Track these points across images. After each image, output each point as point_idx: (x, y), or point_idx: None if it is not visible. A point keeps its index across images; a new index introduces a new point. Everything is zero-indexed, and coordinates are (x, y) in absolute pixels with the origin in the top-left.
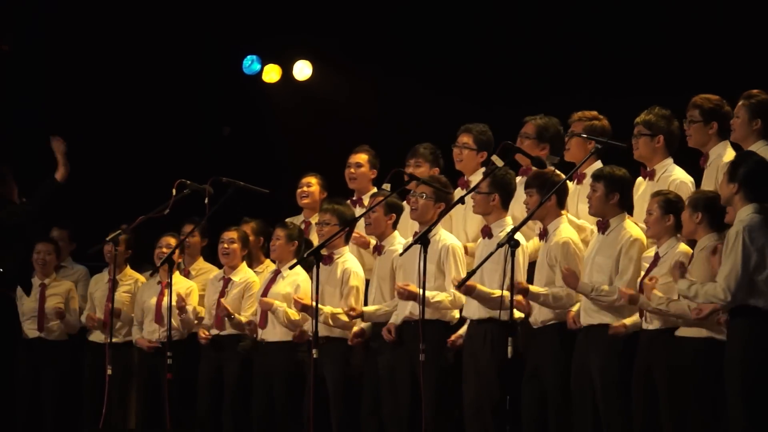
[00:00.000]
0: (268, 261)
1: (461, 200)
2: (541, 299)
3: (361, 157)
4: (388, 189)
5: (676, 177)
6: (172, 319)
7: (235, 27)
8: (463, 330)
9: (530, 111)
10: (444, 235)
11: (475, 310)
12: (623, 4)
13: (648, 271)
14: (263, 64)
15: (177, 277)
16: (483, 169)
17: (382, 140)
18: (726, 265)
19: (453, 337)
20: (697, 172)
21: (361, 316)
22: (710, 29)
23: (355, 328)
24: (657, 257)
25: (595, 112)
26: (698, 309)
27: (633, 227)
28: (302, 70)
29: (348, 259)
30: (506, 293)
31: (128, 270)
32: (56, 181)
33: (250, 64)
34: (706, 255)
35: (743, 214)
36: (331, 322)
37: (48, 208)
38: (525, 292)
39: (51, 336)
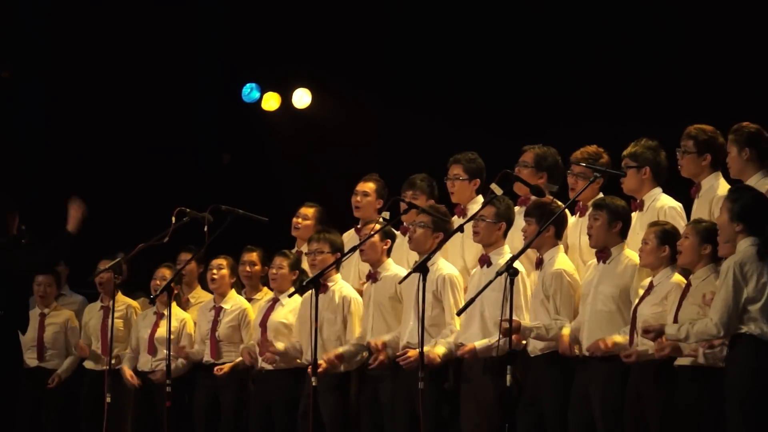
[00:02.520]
0: (265, 289)
1: (461, 228)
2: (534, 333)
3: (369, 186)
4: (387, 217)
5: (664, 203)
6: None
7: (235, 55)
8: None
9: (528, 140)
10: (441, 265)
11: (474, 339)
12: (618, 36)
13: (642, 298)
14: (263, 92)
15: (173, 307)
16: (479, 197)
17: (380, 168)
18: (717, 300)
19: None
20: (687, 200)
21: (384, 347)
22: (702, 60)
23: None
24: (651, 286)
25: (594, 147)
26: (660, 347)
27: (634, 255)
28: (301, 98)
29: (344, 286)
30: (505, 323)
31: (120, 296)
32: (69, 234)
33: (250, 91)
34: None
35: (741, 247)
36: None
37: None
38: (517, 330)
39: (49, 365)
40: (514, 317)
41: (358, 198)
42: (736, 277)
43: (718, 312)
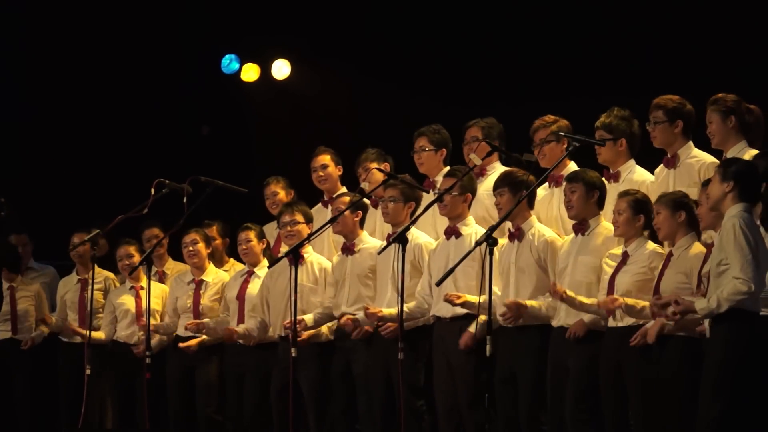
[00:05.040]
0: (232, 261)
1: (440, 198)
2: (544, 312)
3: (325, 158)
4: (366, 189)
5: (643, 178)
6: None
7: (214, 26)
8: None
9: (505, 109)
10: (416, 234)
11: (447, 310)
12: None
13: (617, 270)
14: (242, 63)
15: (144, 280)
16: (446, 168)
17: (358, 139)
18: (734, 259)
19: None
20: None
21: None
22: (668, 31)
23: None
24: (626, 256)
25: (550, 116)
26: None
27: (611, 226)
28: (281, 69)
29: (318, 257)
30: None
31: (96, 269)
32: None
33: (229, 63)
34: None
35: (733, 212)
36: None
37: None
38: (524, 312)
39: (22, 337)
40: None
41: (320, 173)
42: (744, 231)
43: (741, 270)
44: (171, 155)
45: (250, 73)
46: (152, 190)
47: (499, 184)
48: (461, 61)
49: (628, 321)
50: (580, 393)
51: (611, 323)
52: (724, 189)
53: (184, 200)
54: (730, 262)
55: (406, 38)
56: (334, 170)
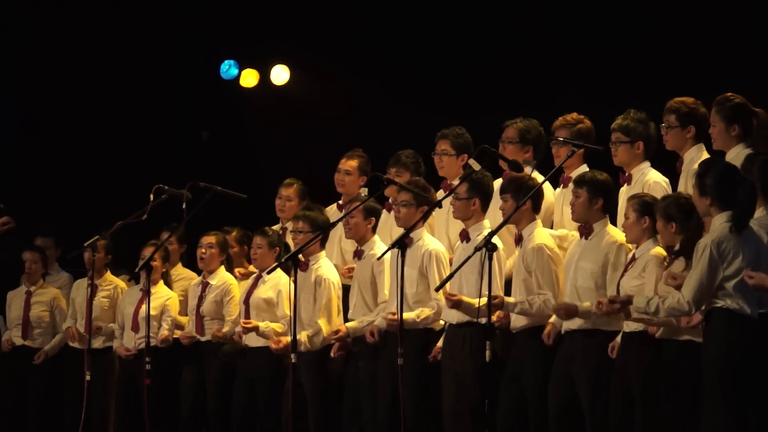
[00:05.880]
0: (251, 267)
1: (438, 204)
2: (518, 309)
3: (351, 165)
4: (366, 193)
5: (650, 178)
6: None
7: (213, 32)
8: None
9: (506, 114)
10: (428, 240)
11: (454, 315)
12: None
13: (623, 273)
14: (241, 69)
15: (160, 285)
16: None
17: (358, 144)
18: (692, 278)
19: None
20: (674, 174)
21: (348, 334)
22: (683, 32)
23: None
24: (633, 259)
25: (575, 115)
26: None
27: (616, 232)
28: (280, 74)
29: (322, 266)
30: (483, 300)
31: (108, 275)
32: None
33: (228, 68)
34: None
35: (716, 224)
36: (309, 346)
37: None
38: (500, 306)
39: (35, 344)
40: (493, 293)
41: (341, 176)
42: (713, 256)
43: (691, 290)
44: (170, 161)
45: (249, 78)
46: (151, 196)
47: (504, 188)
48: (462, 67)
49: (633, 326)
50: (591, 397)
51: (624, 328)
52: (705, 203)
53: (184, 206)
54: (688, 279)
55: (405, 43)
56: (356, 179)
